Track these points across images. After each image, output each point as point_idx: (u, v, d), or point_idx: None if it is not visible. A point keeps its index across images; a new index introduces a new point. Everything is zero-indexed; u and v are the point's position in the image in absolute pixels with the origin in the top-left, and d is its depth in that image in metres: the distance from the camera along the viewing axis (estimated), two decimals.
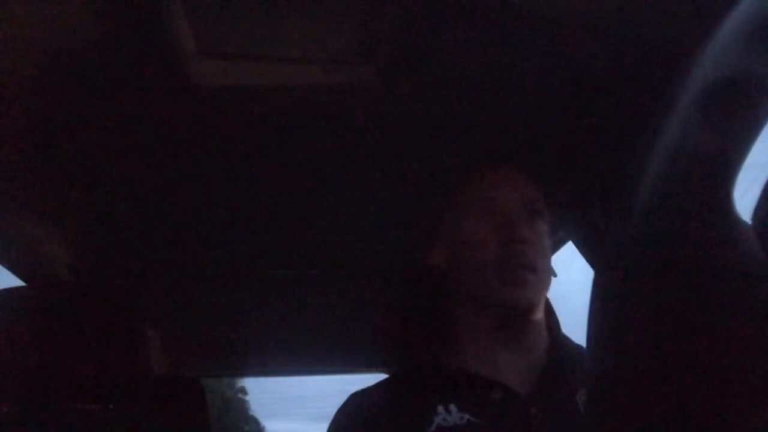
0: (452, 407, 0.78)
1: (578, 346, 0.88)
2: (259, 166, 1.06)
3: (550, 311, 0.98)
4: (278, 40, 0.77)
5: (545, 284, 0.86)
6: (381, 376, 0.98)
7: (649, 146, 0.28)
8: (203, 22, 0.74)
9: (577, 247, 1.25)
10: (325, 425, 0.85)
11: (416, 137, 1.00)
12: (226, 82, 0.85)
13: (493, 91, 0.90)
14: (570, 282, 0.91)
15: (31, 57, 0.78)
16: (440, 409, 0.78)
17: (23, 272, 1.36)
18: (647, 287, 0.26)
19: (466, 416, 0.77)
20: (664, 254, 0.26)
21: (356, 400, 0.86)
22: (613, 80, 0.86)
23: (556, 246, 1.32)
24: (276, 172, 1.09)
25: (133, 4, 0.71)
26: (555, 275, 0.89)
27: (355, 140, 1.00)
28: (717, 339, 0.25)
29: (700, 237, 0.25)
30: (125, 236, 1.30)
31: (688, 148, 0.26)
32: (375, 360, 2.18)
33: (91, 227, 1.25)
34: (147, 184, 1.11)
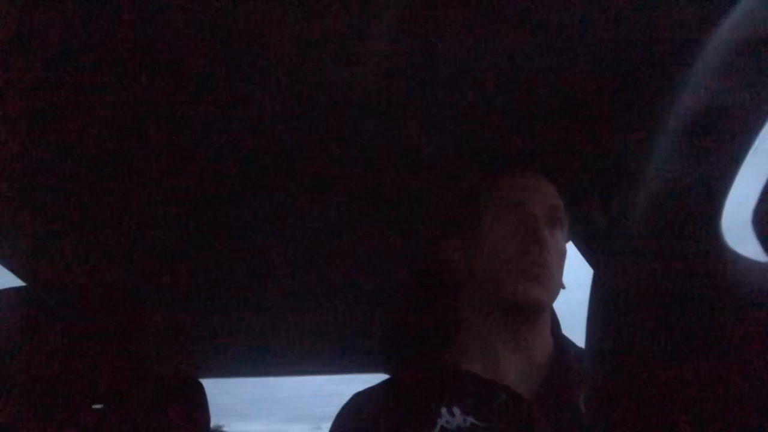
0: (455, 409, 0.77)
1: (579, 348, 0.88)
2: (260, 165, 1.06)
3: (551, 312, 0.98)
4: (277, 39, 0.77)
5: (556, 290, 0.87)
6: (376, 377, 0.98)
7: (649, 147, 0.28)
8: (201, 21, 0.74)
9: (577, 247, 1.25)
10: (302, 426, 0.85)
11: (417, 137, 1.00)
12: (227, 83, 0.85)
13: (493, 91, 0.90)
14: (569, 282, 0.91)
15: (30, 55, 0.78)
16: (443, 410, 0.77)
17: (23, 272, 1.36)
18: (647, 287, 0.26)
19: (470, 419, 0.76)
20: (663, 255, 0.26)
21: (358, 399, 0.86)
22: (613, 80, 0.86)
23: None
24: (277, 172, 1.09)
25: (132, 5, 0.71)
26: (564, 287, 0.89)
27: (357, 138, 1.00)
28: (717, 340, 0.25)
29: (692, 260, 0.25)
30: (125, 236, 1.30)
31: (671, 181, 0.26)
32: (375, 361, 2.18)
33: (92, 227, 1.25)
34: (146, 184, 1.11)
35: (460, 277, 0.90)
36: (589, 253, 1.23)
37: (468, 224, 0.91)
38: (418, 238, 1.31)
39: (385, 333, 1.78)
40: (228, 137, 0.98)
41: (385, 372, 2.14)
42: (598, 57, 0.82)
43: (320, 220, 1.27)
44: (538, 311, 0.83)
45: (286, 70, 0.83)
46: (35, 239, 1.26)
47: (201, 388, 1.25)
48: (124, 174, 1.07)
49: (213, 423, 1.26)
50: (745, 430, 0.24)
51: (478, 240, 0.88)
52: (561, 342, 0.89)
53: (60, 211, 1.18)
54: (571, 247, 1.27)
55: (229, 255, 1.42)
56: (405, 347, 1.11)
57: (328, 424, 0.89)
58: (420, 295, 1.09)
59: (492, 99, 0.91)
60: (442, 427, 0.76)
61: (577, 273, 0.99)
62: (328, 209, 1.23)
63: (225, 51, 0.79)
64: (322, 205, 1.21)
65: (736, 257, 0.25)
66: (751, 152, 0.25)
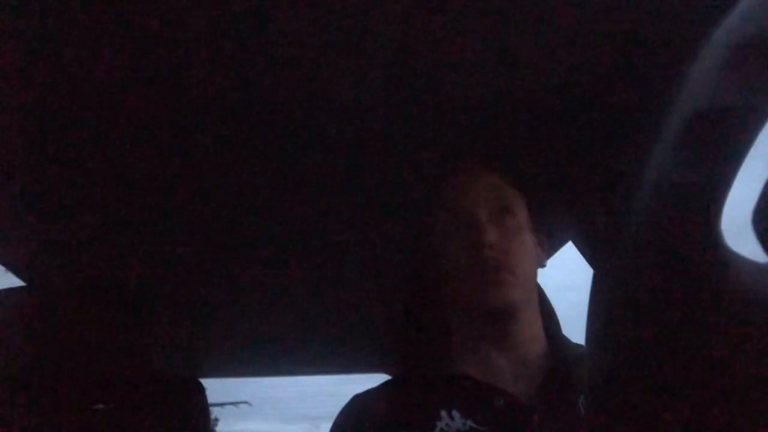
0: (455, 413, 0.77)
1: (580, 348, 0.87)
2: (259, 167, 1.06)
3: (550, 312, 0.97)
4: (275, 40, 0.77)
5: (525, 280, 0.83)
6: (375, 377, 0.98)
7: (648, 147, 0.28)
8: (202, 25, 0.74)
9: (577, 247, 1.25)
10: (300, 426, 0.85)
11: (416, 139, 1.00)
12: (227, 85, 0.85)
13: (493, 92, 0.90)
14: (570, 282, 0.90)
15: (29, 56, 0.78)
16: (443, 414, 0.77)
17: (23, 272, 1.36)
18: (647, 287, 0.26)
19: (469, 422, 0.76)
20: (662, 254, 0.26)
21: (358, 401, 0.86)
22: (613, 80, 0.86)
23: (556, 246, 1.32)
24: (276, 174, 1.09)
25: (131, 8, 0.71)
26: (543, 266, 0.87)
27: (359, 142, 1.00)
28: (718, 341, 0.25)
29: (692, 260, 0.25)
30: (125, 236, 1.30)
31: (671, 180, 0.26)
32: (374, 361, 2.18)
33: (92, 227, 1.25)
34: (147, 185, 1.11)
35: (437, 289, 0.89)
36: (589, 253, 1.23)
37: (425, 236, 0.90)
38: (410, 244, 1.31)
39: (385, 334, 1.78)
40: (229, 138, 0.98)
41: (384, 372, 2.14)
42: (598, 57, 0.82)
43: (321, 222, 1.27)
44: (510, 312, 0.81)
45: (287, 70, 0.83)
46: (35, 239, 1.26)
47: (201, 388, 1.25)
48: (125, 174, 1.07)
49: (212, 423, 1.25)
50: (746, 430, 0.24)
51: (438, 252, 0.86)
52: (559, 342, 0.89)
53: (60, 212, 1.18)
54: (571, 247, 1.27)
55: (230, 256, 1.42)
56: (404, 349, 1.11)
57: (326, 424, 0.89)
58: (414, 300, 1.09)
59: (490, 99, 0.91)
60: (441, 429, 0.76)
61: (577, 273, 0.98)
62: (329, 211, 1.23)
63: (226, 50, 0.79)
64: (323, 207, 1.21)
65: (736, 257, 0.25)
66: (751, 152, 0.25)
